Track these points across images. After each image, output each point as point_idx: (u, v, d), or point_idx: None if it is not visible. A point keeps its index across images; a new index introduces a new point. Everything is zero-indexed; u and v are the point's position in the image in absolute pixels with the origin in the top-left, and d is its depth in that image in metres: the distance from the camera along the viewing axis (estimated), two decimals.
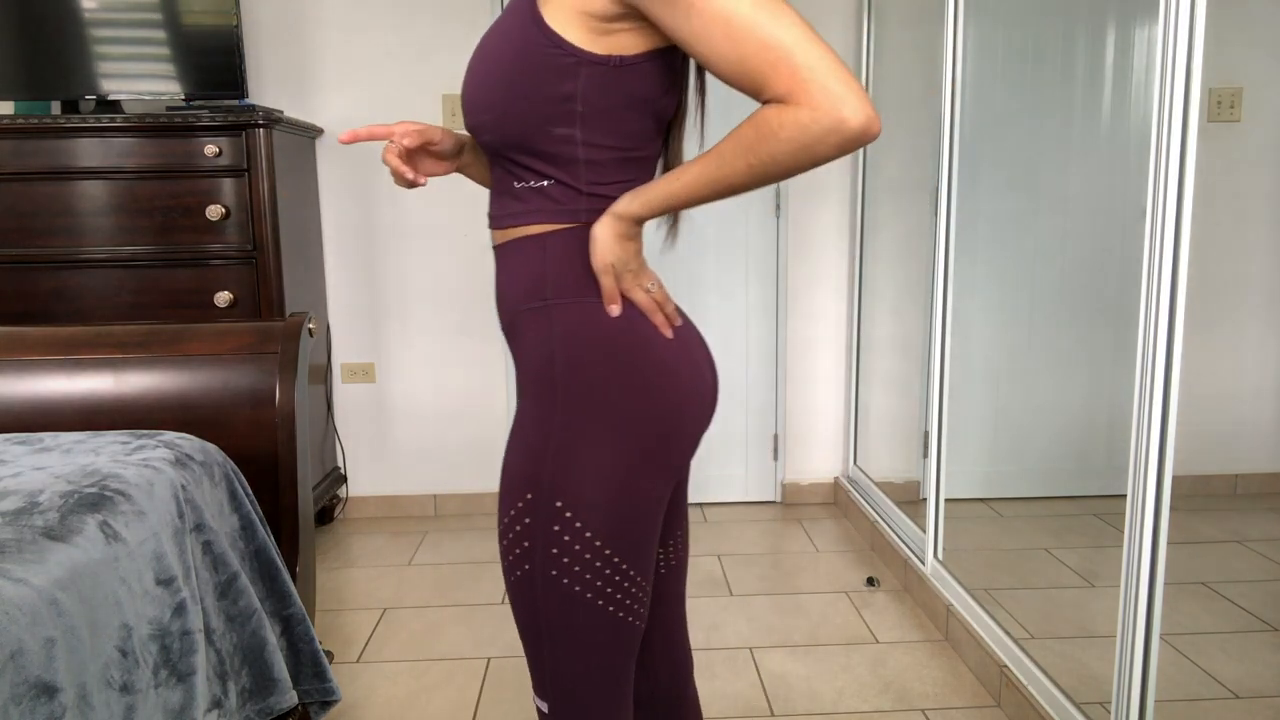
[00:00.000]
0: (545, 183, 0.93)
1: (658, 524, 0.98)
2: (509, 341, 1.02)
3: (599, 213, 0.93)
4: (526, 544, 0.94)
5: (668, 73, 0.93)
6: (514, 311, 0.98)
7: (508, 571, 0.98)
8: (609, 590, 0.95)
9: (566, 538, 0.93)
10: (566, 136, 0.90)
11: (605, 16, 0.86)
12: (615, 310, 0.94)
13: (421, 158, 1.05)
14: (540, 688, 1.00)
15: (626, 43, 0.88)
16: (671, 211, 0.93)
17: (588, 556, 0.93)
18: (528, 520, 0.94)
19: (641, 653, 1.13)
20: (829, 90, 0.77)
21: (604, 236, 0.92)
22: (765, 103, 0.82)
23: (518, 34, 0.89)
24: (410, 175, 0.98)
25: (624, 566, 0.95)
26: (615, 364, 0.93)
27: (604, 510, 0.93)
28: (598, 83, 0.88)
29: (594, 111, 0.90)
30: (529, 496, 0.93)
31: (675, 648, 1.16)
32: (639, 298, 0.95)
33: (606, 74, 0.88)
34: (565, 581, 0.94)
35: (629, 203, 0.91)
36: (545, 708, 0.99)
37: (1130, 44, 2.85)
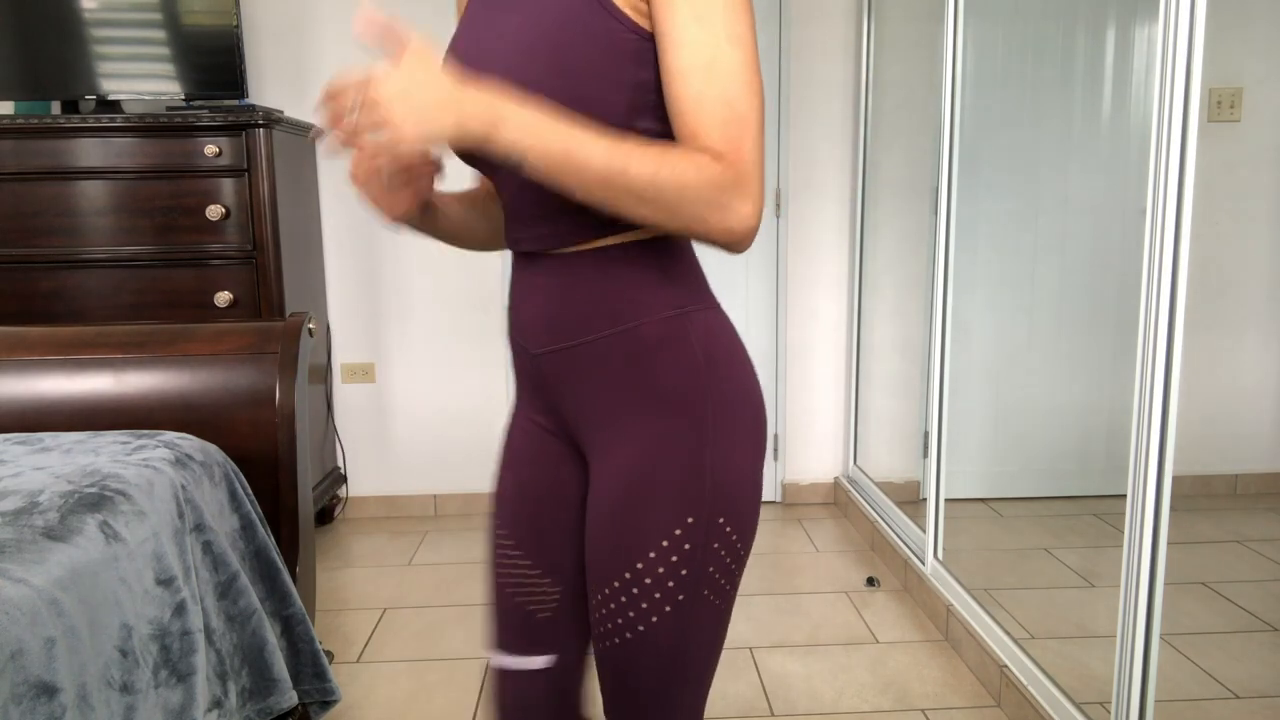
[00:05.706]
0: None
1: None
2: (578, 358, 0.90)
3: None
4: (684, 573, 0.87)
5: None
6: (616, 325, 0.87)
7: (643, 617, 0.88)
8: (733, 593, 0.93)
9: (723, 553, 0.89)
10: (647, 130, 0.83)
11: None
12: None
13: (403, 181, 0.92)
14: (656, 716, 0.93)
15: None
16: (540, 157, 0.76)
17: (734, 567, 0.91)
18: (687, 547, 0.87)
19: None
20: (755, 180, 0.78)
21: (443, 96, 0.76)
22: (698, 148, 0.78)
23: (581, 19, 0.80)
24: (388, 214, 0.91)
25: (745, 564, 0.94)
26: (744, 367, 0.92)
27: (749, 515, 0.91)
28: None
29: (662, 99, 0.82)
30: (689, 520, 0.87)
31: None
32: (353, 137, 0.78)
33: None
34: (715, 600, 0.90)
35: (512, 116, 0.76)
36: None
37: (1130, 44, 2.85)
